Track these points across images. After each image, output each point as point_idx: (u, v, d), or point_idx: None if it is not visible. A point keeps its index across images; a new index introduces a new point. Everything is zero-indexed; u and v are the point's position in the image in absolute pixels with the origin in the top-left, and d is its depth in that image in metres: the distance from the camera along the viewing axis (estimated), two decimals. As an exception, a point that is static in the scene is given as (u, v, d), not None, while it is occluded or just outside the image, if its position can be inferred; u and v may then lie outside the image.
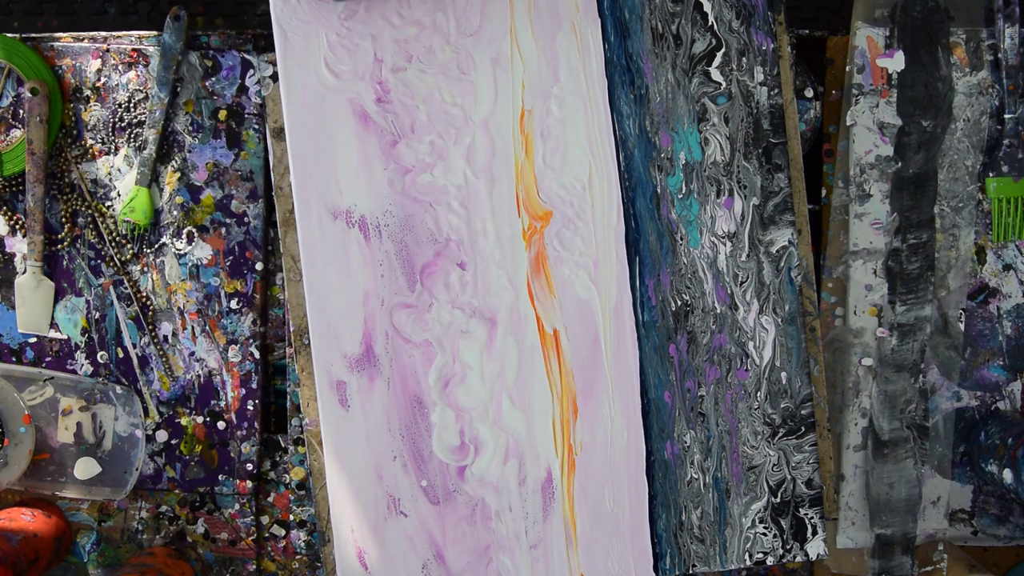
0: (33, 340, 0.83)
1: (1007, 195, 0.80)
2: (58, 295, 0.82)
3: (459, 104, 0.74)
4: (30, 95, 0.79)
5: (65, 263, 0.82)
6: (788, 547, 0.75)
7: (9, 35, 0.80)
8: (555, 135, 0.74)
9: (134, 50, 0.81)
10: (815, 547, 0.75)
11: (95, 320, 0.82)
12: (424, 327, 0.74)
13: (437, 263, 0.74)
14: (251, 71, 0.81)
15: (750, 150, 0.75)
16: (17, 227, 0.82)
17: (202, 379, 0.82)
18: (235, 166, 0.81)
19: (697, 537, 0.75)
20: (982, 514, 0.81)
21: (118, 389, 0.81)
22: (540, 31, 0.74)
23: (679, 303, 0.75)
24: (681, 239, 0.75)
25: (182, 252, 0.81)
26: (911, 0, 0.78)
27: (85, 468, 0.80)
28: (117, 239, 0.81)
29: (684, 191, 0.75)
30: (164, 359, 0.82)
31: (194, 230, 0.81)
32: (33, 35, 0.82)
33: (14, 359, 0.83)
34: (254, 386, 0.82)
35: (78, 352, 0.82)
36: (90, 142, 0.81)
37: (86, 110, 0.81)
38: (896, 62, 0.79)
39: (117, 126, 0.81)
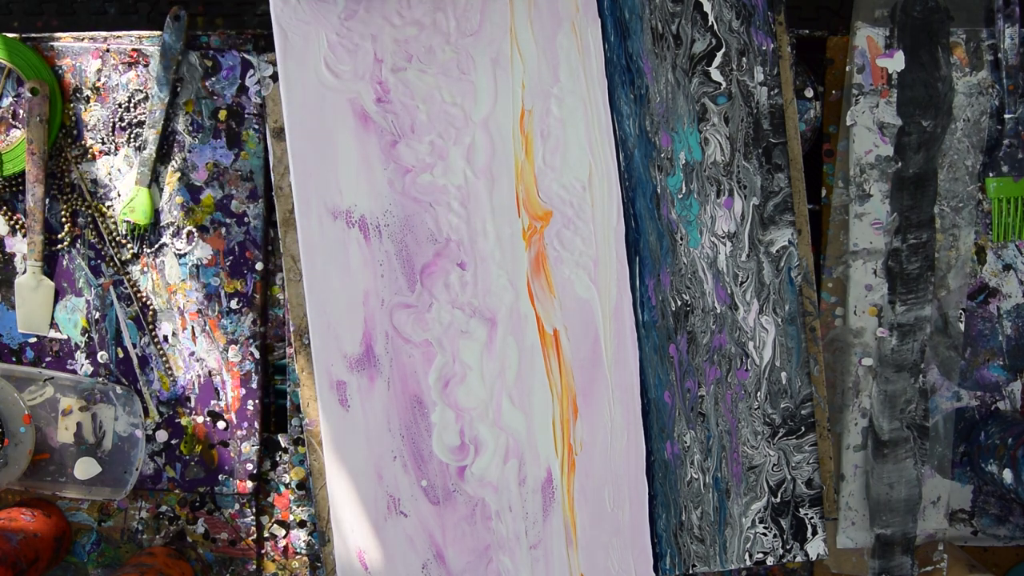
0: (33, 340, 0.83)
1: (1007, 195, 0.80)
2: (58, 295, 0.82)
3: (459, 104, 0.74)
4: (30, 95, 0.79)
5: (65, 263, 0.82)
6: (788, 547, 0.75)
7: (9, 35, 0.80)
8: (555, 135, 0.74)
9: (134, 50, 0.81)
10: (815, 547, 0.75)
11: (95, 320, 0.82)
12: (424, 327, 0.74)
13: (437, 263, 0.74)
14: (251, 71, 0.81)
15: (750, 150, 0.75)
16: (17, 227, 0.82)
17: (202, 379, 0.82)
18: (235, 166, 0.81)
19: (697, 537, 0.75)
20: (982, 514, 0.81)
21: (118, 389, 0.81)
22: (540, 31, 0.74)
23: (679, 303, 0.75)
24: (681, 239, 0.75)
25: (182, 252, 0.81)
26: (911, 0, 0.78)
27: (85, 468, 0.80)
28: (117, 239, 0.81)
29: (684, 191, 0.75)
30: (164, 359, 0.82)
31: (194, 230, 0.81)
32: (33, 35, 0.82)
33: (14, 359, 0.83)
34: (254, 386, 0.82)
35: (78, 352, 0.82)
36: (90, 142, 0.81)
37: (86, 110, 0.81)
38: (896, 62, 0.79)
39: (117, 126, 0.81)
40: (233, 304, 0.82)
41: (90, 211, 0.81)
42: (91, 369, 0.82)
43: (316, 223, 0.74)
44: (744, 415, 0.75)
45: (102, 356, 0.82)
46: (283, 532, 0.84)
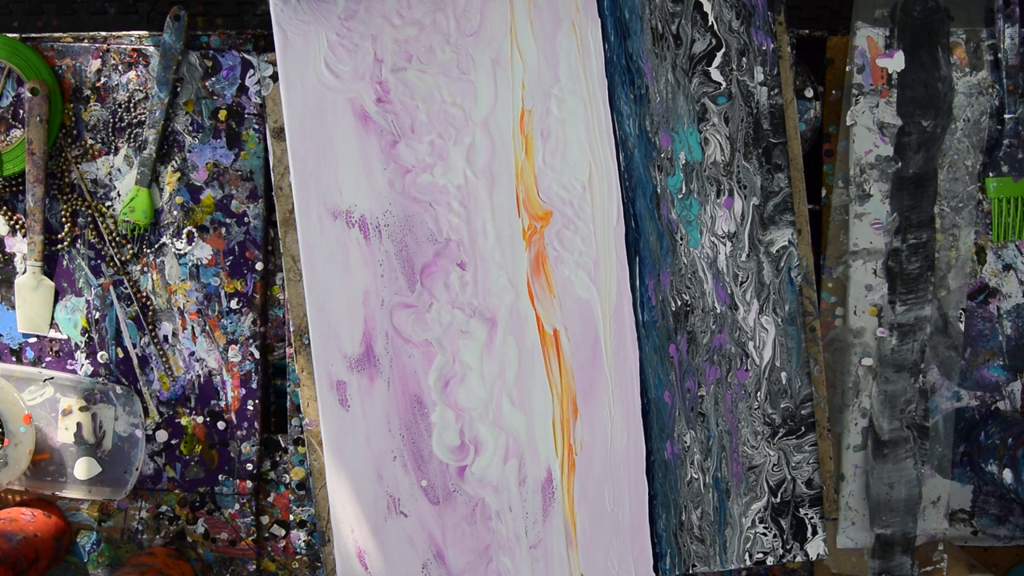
0: (33, 340, 0.83)
1: (1007, 195, 0.80)
2: (58, 295, 0.82)
3: (459, 104, 0.74)
4: (30, 95, 0.79)
5: (65, 263, 0.82)
6: (788, 547, 0.75)
7: (9, 35, 0.80)
8: (555, 135, 0.74)
9: (134, 50, 0.81)
10: (815, 547, 0.75)
11: (95, 320, 0.82)
12: (424, 327, 0.74)
13: (437, 263, 0.74)
14: (251, 71, 0.81)
15: (750, 150, 0.75)
16: (17, 227, 0.82)
17: (202, 379, 0.82)
18: (235, 166, 0.81)
19: (697, 537, 0.75)
20: (982, 514, 0.81)
21: (118, 389, 0.81)
22: (540, 31, 0.74)
23: (679, 303, 0.75)
24: (681, 239, 0.75)
25: (182, 252, 0.81)
26: (911, 0, 0.78)
27: (85, 468, 0.80)
28: (117, 239, 0.81)
29: (684, 191, 0.75)
30: (164, 359, 0.82)
31: (194, 230, 0.81)
32: (33, 35, 0.82)
33: (14, 359, 0.83)
34: (254, 386, 0.82)
35: (78, 352, 0.82)
36: (90, 142, 0.81)
37: (86, 110, 0.81)
38: (896, 62, 0.79)
39: (117, 126, 0.81)
40: (233, 304, 0.82)
41: (90, 211, 0.81)
42: (91, 369, 0.82)
43: (316, 223, 0.74)
44: (744, 415, 0.75)
45: (102, 356, 0.82)
46: (283, 532, 0.84)
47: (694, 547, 0.75)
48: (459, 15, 0.74)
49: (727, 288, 0.75)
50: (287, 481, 0.84)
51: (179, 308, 0.82)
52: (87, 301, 0.82)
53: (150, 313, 0.81)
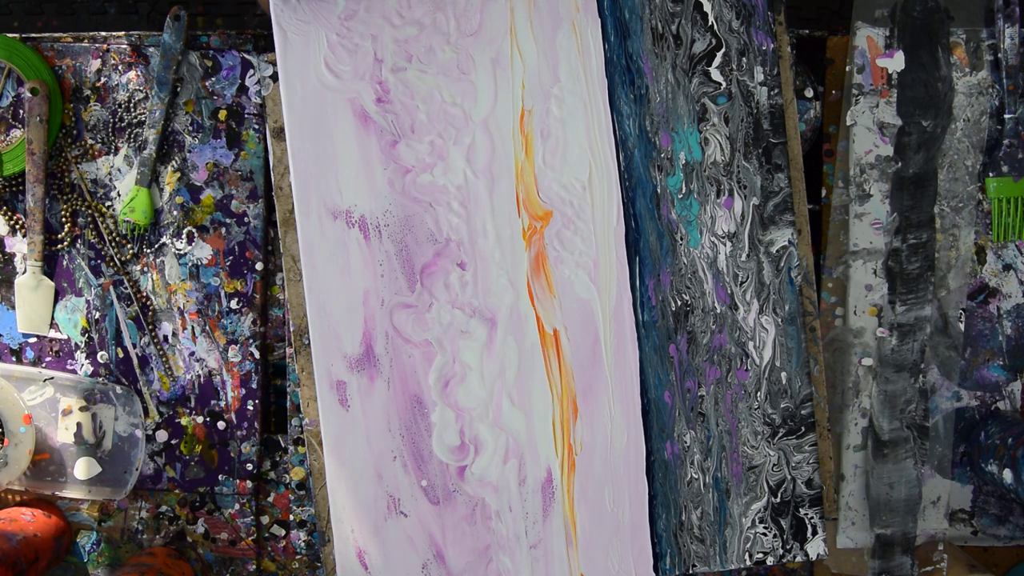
0: (33, 340, 0.83)
1: (1007, 195, 0.80)
2: (58, 295, 0.82)
3: (459, 104, 0.74)
4: (30, 95, 0.79)
5: (65, 263, 0.82)
6: (788, 547, 0.75)
7: (9, 35, 0.80)
8: (555, 135, 0.74)
9: (134, 50, 0.81)
10: (815, 547, 0.75)
11: (95, 320, 0.82)
12: (424, 327, 0.74)
13: (437, 263, 0.74)
14: (251, 71, 0.81)
15: (750, 150, 0.75)
16: (17, 227, 0.82)
17: (202, 379, 0.82)
18: (235, 166, 0.81)
19: (697, 537, 0.75)
20: (982, 514, 0.81)
21: (118, 389, 0.81)
22: (540, 31, 0.74)
23: (679, 303, 0.75)
24: (681, 239, 0.75)
25: (182, 252, 0.81)
26: (911, 0, 0.78)
27: (85, 468, 0.80)
28: (117, 239, 0.81)
29: (684, 191, 0.75)
30: (164, 359, 0.82)
31: (194, 230, 0.81)
32: (33, 35, 0.82)
33: (14, 359, 0.83)
34: (254, 386, 0.82)
35: (78, 352, 0.82)
36: (90, 142, 0.81)
37: (86, 110, 0.81)
38: (896, 62, 0.79)
39: (117, 126, 0.81)
40: (233, 304, 0.82)
41: (90, 211, 0.81)
42: (91, 369, 0.82)
43: (316, 223, 0.74)
44: (744, 415, 0.75)
45: (102, 356, 0.82)
46: (283, 532, 0.84)
47: (694, 547, 0.75)
48: (459, 15, 0.74)
49: (727, 288, 0.75)
50: (287, 481, 0.84)
51: (179, 308, 0.82)
52: (87, 301, 0.82)
53: (150, 313, 0.82)
